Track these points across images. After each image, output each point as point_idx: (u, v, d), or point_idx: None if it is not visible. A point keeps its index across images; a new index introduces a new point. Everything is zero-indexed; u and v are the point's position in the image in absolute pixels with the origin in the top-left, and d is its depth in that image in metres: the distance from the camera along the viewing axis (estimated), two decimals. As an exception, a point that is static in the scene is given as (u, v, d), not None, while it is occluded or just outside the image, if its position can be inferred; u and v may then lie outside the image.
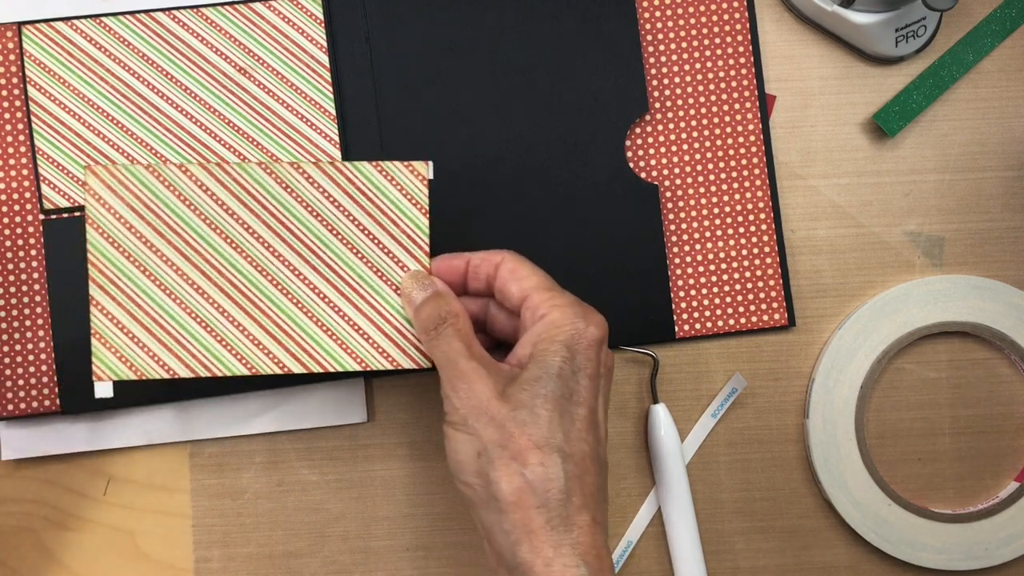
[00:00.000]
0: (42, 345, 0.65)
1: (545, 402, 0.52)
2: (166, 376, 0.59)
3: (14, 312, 0.65)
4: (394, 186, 0.60)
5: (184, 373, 0.59)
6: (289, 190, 0.59)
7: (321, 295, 0.60)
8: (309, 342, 0.60)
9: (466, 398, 0.53)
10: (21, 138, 0.66)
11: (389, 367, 0.60)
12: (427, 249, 0.60)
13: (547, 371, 0.52)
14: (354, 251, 0.60)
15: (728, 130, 0.68)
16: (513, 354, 0.55)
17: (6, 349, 0.65)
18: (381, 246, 0.60)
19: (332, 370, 0.60)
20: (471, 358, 0.54)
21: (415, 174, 0.60)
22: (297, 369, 0.59)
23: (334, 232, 0.60)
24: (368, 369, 0.60)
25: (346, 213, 0.60)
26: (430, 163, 0.60)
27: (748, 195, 0.68)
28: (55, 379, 0.65)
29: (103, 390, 0.59)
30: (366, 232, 0.60)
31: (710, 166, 0.68)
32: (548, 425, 0.51)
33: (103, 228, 0.59)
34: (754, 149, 0.68)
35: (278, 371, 0.59)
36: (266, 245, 0.59)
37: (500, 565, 0.52)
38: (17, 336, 0.65)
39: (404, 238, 0.60)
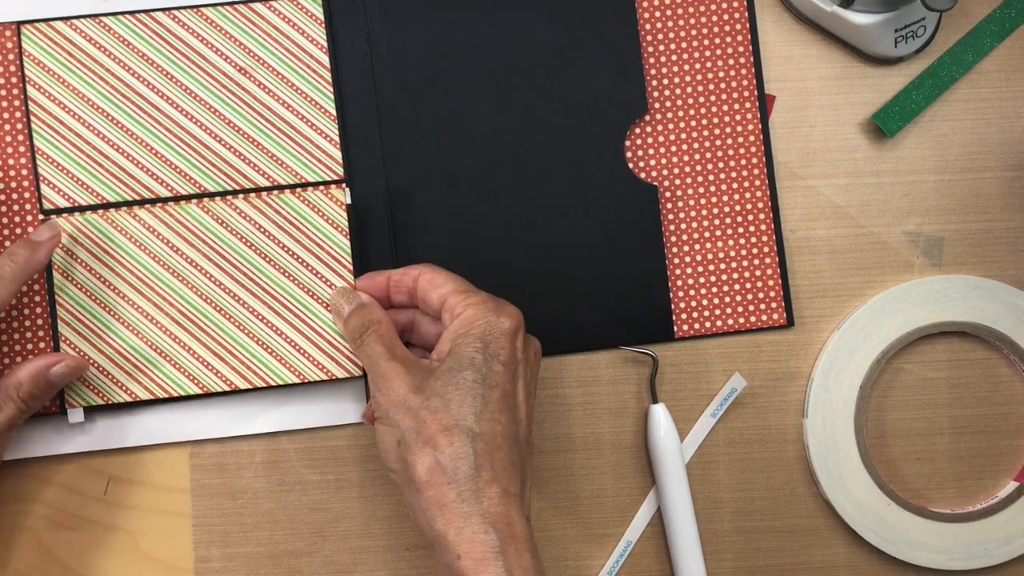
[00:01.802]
0: (42, 345, 0.65)
1: (456, 389, 0.56)
2: (129, 400, 0.65)
3: (14, 312, 0.65)
4: (316, 213, 0.66)
5: (144, 396, 0.65)
6: (224, 224, 0.66)
7: (260, 317, 0.66)
8: (252, 360, 0.66)
9: (387, 394, 0.58)
10: (20, 138, 0.66)
11: (324, 377, 0.66)
12: (351, 268, 0.66)
13: (460, 362, 0.57)
14: (286, 275, 0.66)
15: (728, 130, 0.68)
16: (436, 350, 0.60)
17: (5, 350, 0.65)
18: (310, 268, 0.66)
19: (274, 384, 0.66)
20: (391, 359, 0.59)
21: (334, 200, 0.66)
22: (243, 385, 0.65)
23: (267, 259, 0.66)
24: (305, 381, 0.66)
25: (276, 241, 0.66)
26: (347, 189, 0.66)
27: (748, 195, 0.68)
28: (55, 379, 0.65)
29: (76, 416, 0.65)
30: (295, 257, 0.66)
31: (710, 166, 0.68)
32: (458, 409, 0.56)
33: (67, 272, 0.65)
34: (754, 149, 0.68)
35: (226, 388, 0.65)
36: (208, 275, 0.66)
37: (427, 541, 0.57)
38: (17, 336, 0.65)
39: (330, 259, 0.66)
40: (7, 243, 0.65)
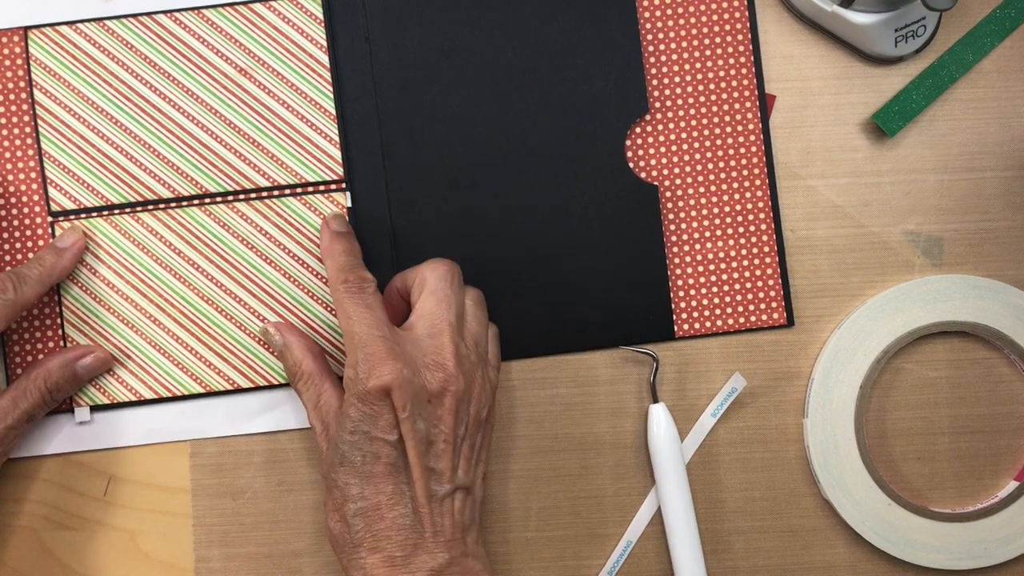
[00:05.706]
0: (51, 345, 0.66)
1: (341, 467, 0.58)
2: (133, 399, 0.66)
3: (23, 312, 0.65)
4: (318, 216, 0.67)
5: (148, 394, 0.66)
6: (226, 227, 0.66)
7: (261, 318, 0.67)
8: (253, 359, 0.67)
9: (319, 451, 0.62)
10: (29, 141, 0.66)
11: None
12: None
13: (340, 435, 0.59)
14: (287, 276, 0.67)
15: (728, 130, 0.68)
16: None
17: (16, 349, 0.66)
18: (311, 269, 0.67)
19: (274, 383, 0.66)
20: (316, 415, 0.62)
21: (335, 203, 0.66)
22: (244, 383, 0.66)
23: (268, 261, 0.67)
24: None
25: (277, 243, 0.67)
26: (348, 193, 0.66)
27: (748, 195, 0.68)
28: (56, 378, 0.65)
29: (82, 415, 0.66)
30: (296, 258, 0.67)
31: (710, 166, 0.68)
32: (343, 489, 0.58)
33: (72, 275, 0.66)
34: (754, 149, 0.68)
35: (228, 387, 0.66)
36: (209, 277, 0.66)
37: None
38: (28, 336, 0.66)
39: None
40: (16, 244, 0.66)
